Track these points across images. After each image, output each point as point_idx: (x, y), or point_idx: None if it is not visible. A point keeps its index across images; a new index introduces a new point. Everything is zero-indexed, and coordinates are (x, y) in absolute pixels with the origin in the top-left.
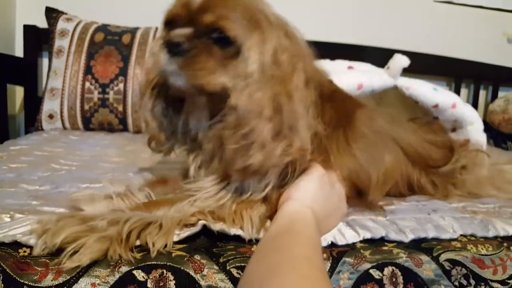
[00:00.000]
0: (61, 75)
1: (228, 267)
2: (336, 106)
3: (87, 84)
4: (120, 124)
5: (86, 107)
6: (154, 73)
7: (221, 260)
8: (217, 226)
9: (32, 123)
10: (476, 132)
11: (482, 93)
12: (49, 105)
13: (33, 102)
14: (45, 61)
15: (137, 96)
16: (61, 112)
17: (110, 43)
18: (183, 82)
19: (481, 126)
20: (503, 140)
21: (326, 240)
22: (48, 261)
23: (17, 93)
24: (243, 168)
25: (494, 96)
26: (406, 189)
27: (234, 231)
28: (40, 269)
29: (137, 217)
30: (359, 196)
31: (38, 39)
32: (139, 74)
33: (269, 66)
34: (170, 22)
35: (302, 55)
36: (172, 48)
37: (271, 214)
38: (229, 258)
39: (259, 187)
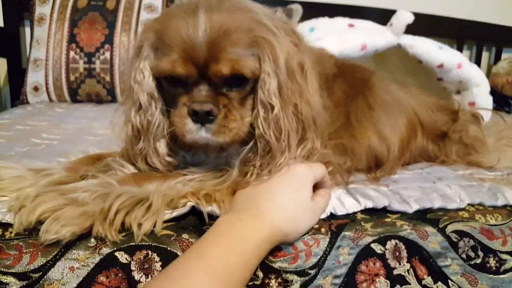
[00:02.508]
0: (44, 45)
1: None
2: (347, 79)
3: (72, 53)
4: (108, 95)
5: (72, 78)
6: (184, 139)
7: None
8: (207, 208)
9: (17, 96)
10: (481, 95)
11: (485, 55)
12: (34, 77)
13: (17, 74)
14: (27, 30)
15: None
16: (46, 84)
17: (94, 9)
18: (213, 142)
19: (487, 88)
20: (507, 103)
21: (325, 211)
22: (21, 244)
23: (0, 66)
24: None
25: (498, 58)
26: (418, 158)
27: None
28: (13, 253)
29: (127, 194)
30: (376, 168)
31: (18, 7)
32: (126, 42)
33: (286, 82)
34: (173, 77)
35: (302, 46)
36: (203, 118)
37: None
38: None
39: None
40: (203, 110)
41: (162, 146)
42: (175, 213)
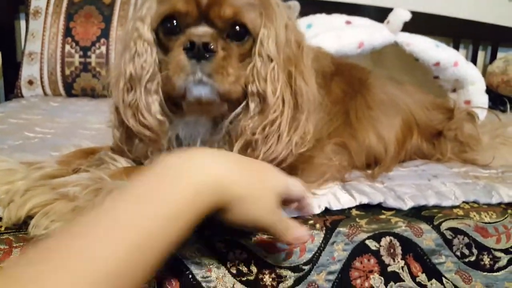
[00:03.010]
0: (39, 38)
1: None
2: (345, 78)
3: (67, 47)
4: (103, 90)
5: (67, 72)
6: (176, 84)
7: (206, 233)
8: None
9: (12, 89)
10: (477, 93)
11: (480, 54)
12: (28, 71)
13: (12, 68)
14: (22, 23)
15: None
16: (41, 77)
17: (90, 2)
18: (207, 92)
19: (483, 86)
20: (502, 102)
21: (320, 206)
22: (12, 238)
23: None
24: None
25: (493, 57)
26: (413, 156)
27: None
28: (2, 247)
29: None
30: (373, 166)
31: (14, 0)
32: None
33: (283, 46)
34: (172, 19)
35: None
36: (200, 51)
37: None
38: (215, 231)
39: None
40: (201, 40)
41: (155, 104)
42: None
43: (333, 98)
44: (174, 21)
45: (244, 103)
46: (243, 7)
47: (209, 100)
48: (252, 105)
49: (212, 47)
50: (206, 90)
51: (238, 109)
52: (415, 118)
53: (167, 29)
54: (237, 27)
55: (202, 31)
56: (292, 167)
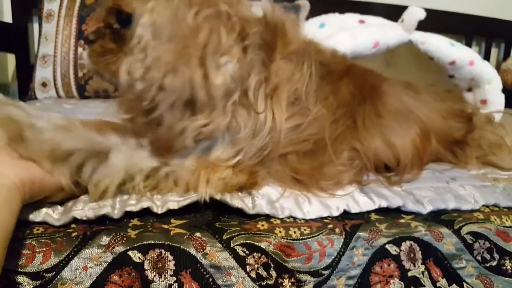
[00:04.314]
0: (52, 41)
1: (232, 245)
2: (355, 81)
3: (80, 49)
4: (116, 91)
5: (80, 74)
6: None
7: (224, 237)
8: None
9: (25, 92)
10: (493, 92)
11: (494, 51)
12: (42, 73)
13: (25, 70)
14: (35, 27)
15: None
16: (54, 80)
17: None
18: (97, 72)
19: (499, 85)
20: None
21: (338, 208)
22: (34, 243)
23: (9, 61)
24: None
25: (507, 54)
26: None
27: (236, 202)
28: (25, 252)
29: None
30: (386, 171)
31: (27, 3)
32: None
33: (165, 25)
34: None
35: (249, 19)
36: (86, 42)
37: (242, 185)
38: (233, 234)
39: (230, 151)
40: (85, 35)
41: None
42: (188, 200)
43: (341, 99)
44: None
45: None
46: None
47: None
48: (124, 88)
49: (89, 37)
50: (91, 66)
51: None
52: (432, 126)
53: None
54: (121, 14)
55: (90, 26)
56: (302, 174)
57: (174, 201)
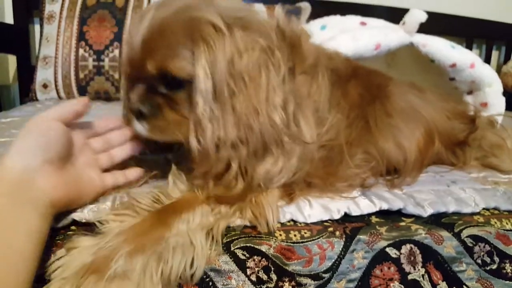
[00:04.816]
0: (53, 42)
1: (232, 248)
2: (363, 82)
3: (81, 51)
4: (117, 93)
5: (81, 75)
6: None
7: (224, 240)
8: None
9: (26, 93)
10: (494, 95)
11: (494, 54)
12: (43, 74)
13: (26, 72)
14: (37, 28)
15: None
16: (55, 81)
17: (103, 6)
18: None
19: (500, 88)
20: None
21: (339, 211)
22: None
23: (10, 62)
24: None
25: (507, 57)
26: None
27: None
28: None
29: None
30: (392, 174)
31: (28, 4)
32: None
33: (225, 85)
34: (127, 79)
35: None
36: (136, 115)
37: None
38: (233, 238)
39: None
40: (133, 108)
41: None
42: None
43: (351, 101)
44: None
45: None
46: (170, 57)
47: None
48: (195, 155)
49: (143, 111)
50: (145, 135)
51: (179, 153)
52: (436, 127)
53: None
54: (169, 78)
55: (133, 96)
56: (315, 177)
57: None
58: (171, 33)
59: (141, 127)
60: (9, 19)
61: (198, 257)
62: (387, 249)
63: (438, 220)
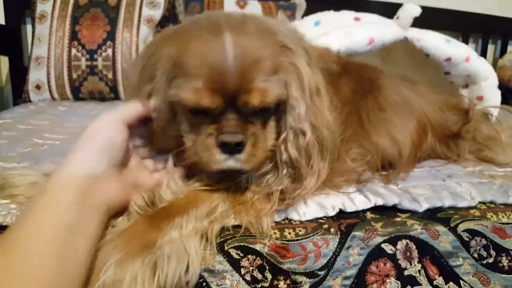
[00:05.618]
0: (45, 42)
1: (226, 248)
2: (354, 77)
3: (74, 50)
4: (111, 93)
5: (74, 75)
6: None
7: (218, 240)
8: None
9: (19, 94)
10: (490, 89)
11: (490, 48)
12: (35, 75)
13: (19, 73)
14: (28, 28)
15: None
16: (48, 82)
17: (95, 5)
18: (240, 170)
19: (495, 81)
20: None
21: (334, 208)
22: None
23: (2, 64)
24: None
25: (504, 51)
26: (428, 158)
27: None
28: None
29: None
30: (387, 168)
31: (20, 4)
32: (128, 39)
33: (310, 106)
34: (199, 110)
35: (313, 62)
36: (232, 149)
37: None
38: (227, 238)
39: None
40: (234, 141)
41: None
42: None
43: (343, 98)
44: (200, 110)
45: (271, 165)
46: (269, 87)
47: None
48: (283, 171)
49: (244, 142)
50: (235, 169)
51: (267, 168)
52: (429, 119)
53: (192, 112)
54: (264, 108)
55: (233, 128)
56: None
57: None
58: (263, 62)
59: (232, 160)
60: (0, 19)
61: (193, 264)
62: (383, 245)
63: (434, 215)
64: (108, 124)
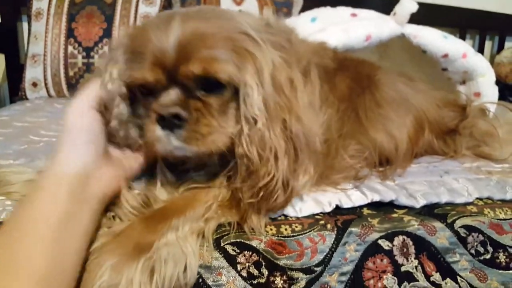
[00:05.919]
0: (42, 40)
1: (222, 244)
2: (351, 74)
3: (70, 48)
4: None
5: (71, 73)
6: (157, 151)
7: (214, 236)
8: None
9: (16, 92)
10: (487, 85)
11: (487, 44)
12: (32, 73)
13: (16, 70)
14: (25, 26)
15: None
16: (45, 79)
17: (91, 2)
18: (188, 152)
19: (492, 77)
20: (511, 93)
21: (330, 204)
22: None
23: None
24: (268, 210)
25: (501, 47)
26: (425, 154)
27: None
28: None
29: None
30: (384, 164)
31: (15, 2)
32: None
33: (272, 96)
34: (144, 86)
35: (292, 60)
36: (171, 123)
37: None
38: (223, 234)
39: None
40: (169, 112)
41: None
42: None
43: (339, 95)
44: (147, 88)
45: (233, 162)
46: (214, 58)
47: (193, 156)
48: (242, 168)
49: (182, 115)
50: (185, 153)
51: (228, 168)
52: (426, 116)
53: (142, 93)
54: (211, 80)
55: (169, 100)
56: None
57: None
58: (211, 39)
59: (173, 137)
60: None
61: (191, 265)
62: (380, 241)
63: (431, 211)
64: (82, 113)
